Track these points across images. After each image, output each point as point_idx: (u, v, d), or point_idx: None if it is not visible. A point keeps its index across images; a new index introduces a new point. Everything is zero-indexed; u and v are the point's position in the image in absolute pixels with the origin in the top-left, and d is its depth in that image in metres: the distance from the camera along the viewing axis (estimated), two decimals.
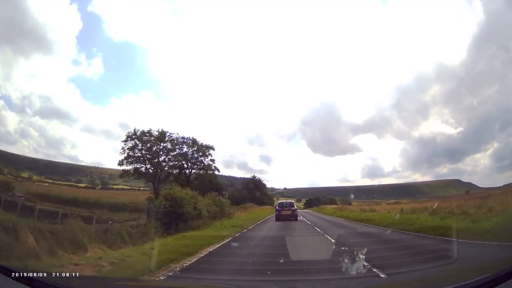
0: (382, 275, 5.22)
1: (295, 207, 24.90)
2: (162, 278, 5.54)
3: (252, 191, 65.51)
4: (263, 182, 73.65)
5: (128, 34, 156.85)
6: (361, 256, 6.12)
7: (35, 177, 40.67)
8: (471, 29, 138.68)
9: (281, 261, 6.55)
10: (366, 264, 5.78)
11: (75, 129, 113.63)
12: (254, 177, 72.66)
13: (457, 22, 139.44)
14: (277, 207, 25.24)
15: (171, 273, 5.87)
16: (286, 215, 23.04)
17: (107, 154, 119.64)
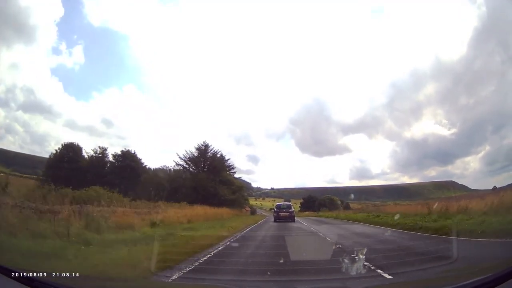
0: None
1: (292, 209, 27.24)
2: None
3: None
4: (219, 153, 41.82)
5: (108, 19, 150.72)
6: None
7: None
8: (472, 23, 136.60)
9: None
10: None
11: (58, 125, 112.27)
12: (205, 146, 40.70)
13: (457, 14, 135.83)
14: (275, 209, 27.41)
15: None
16: (284, 216, 25.02)
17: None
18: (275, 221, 24.91)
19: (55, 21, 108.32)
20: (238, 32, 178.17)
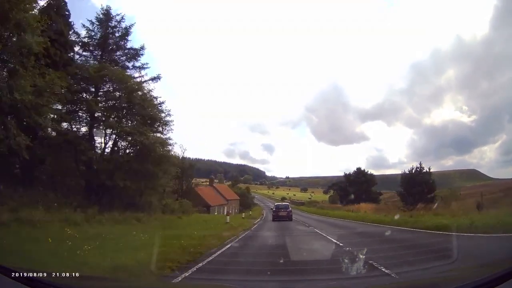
0: None
1: (290, 208, 28.43)
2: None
3: None
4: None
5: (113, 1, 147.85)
6: None
7: None
8: (492, 1, 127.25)
9: None
10: None
11: None
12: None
13: None
14: (274, 209, 29.02)
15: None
16: (282, 216, 26.36)
17: None
18: (273, 220, 26.61)
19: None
20: (252, 17, 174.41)
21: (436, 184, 34.84)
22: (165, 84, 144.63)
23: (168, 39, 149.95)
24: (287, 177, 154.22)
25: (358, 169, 49.62)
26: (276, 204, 33.68)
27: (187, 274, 5.76)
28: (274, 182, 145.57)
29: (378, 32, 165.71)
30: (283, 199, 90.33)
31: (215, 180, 58.03)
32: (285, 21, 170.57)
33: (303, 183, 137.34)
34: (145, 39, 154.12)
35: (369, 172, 50.90)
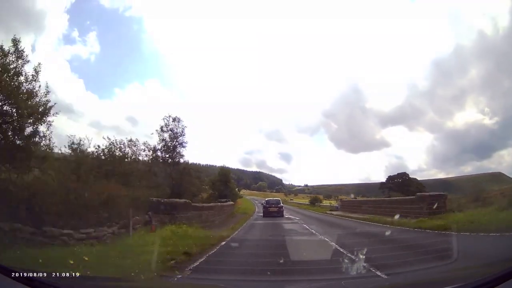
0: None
1: (281, 204, 26.69)
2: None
3: None
4: None
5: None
6: None
7: None
8: None
9: None
10: None
11: (83, 125, 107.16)
12: None
13: None
14: (265, 204, 27.13)
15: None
16: (273, 212, 24.60)
17: None
18: (264, 216, 24.75)
19: (65, 7, 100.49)
20: (267, 18, 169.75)
21: (465, 190, 32.32)
22: (179, 91, 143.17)
23: (185, 47, 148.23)
24: (306, 185, 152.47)
25: None
26: (266, 199, 31.78)
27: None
28: (292, 190, 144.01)
29: (398, 31, 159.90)
30: (312, 203, 76.76)
31: None
32: (301, 22, 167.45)
33: (323, 191, 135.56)
34: (161, 47, 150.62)
35: None
